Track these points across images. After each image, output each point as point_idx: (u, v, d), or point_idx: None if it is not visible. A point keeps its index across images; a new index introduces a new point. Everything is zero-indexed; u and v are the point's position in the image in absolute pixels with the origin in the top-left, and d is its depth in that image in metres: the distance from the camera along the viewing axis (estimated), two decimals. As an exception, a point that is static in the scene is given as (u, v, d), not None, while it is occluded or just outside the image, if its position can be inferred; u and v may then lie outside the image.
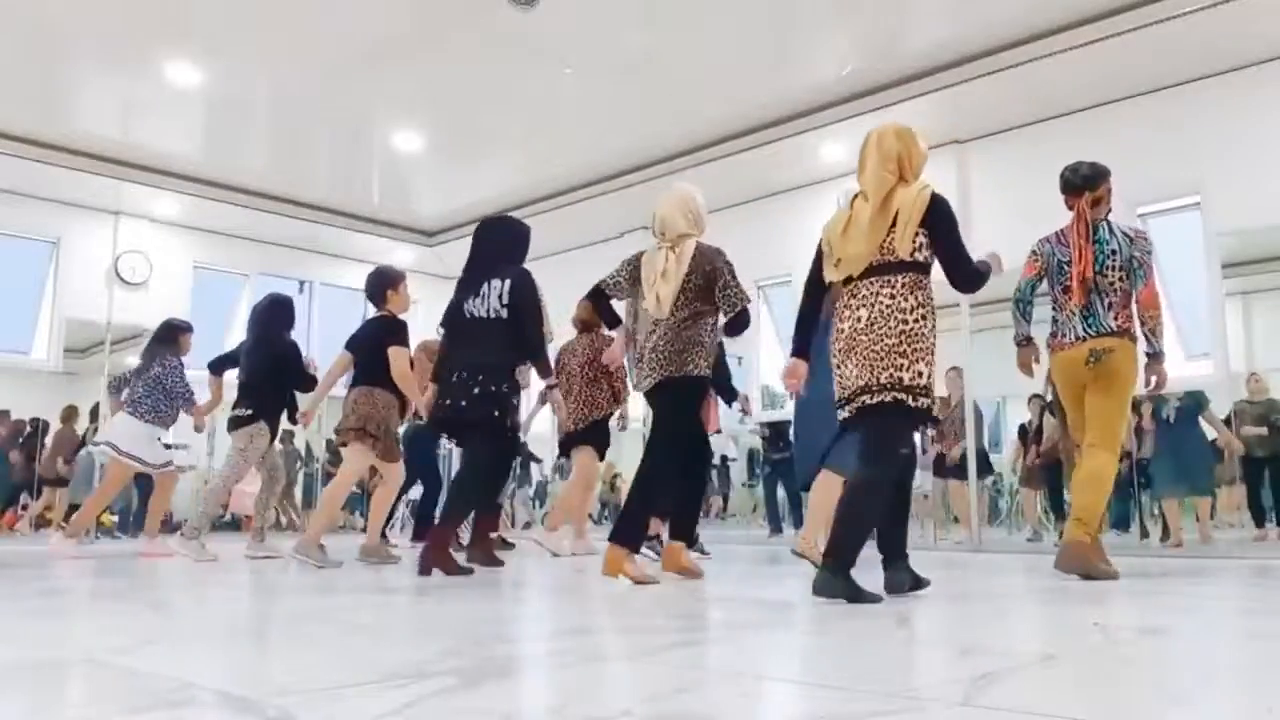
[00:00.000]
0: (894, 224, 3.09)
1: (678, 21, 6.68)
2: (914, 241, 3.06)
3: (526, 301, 4.40)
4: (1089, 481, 3.92)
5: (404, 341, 5.12)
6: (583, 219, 10.00)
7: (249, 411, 5.79)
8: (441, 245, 11.42)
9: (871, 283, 3.09)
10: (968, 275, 3.16)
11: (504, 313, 4.38)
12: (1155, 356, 4.00)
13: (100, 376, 9.16)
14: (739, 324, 3.96)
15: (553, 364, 5.21)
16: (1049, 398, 4.36)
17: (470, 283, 4.53)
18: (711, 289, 3.91)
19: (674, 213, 4.03)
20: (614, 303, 4.33)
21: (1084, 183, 4.14)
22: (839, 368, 3.15)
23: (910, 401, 2.98)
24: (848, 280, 3.16)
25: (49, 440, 9.56)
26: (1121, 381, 3.98)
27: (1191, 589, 3.63)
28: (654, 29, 6.78)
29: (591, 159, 9.16)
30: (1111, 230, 4.10)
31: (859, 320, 3.08)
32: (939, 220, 3.07)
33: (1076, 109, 7.37)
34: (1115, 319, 4.00)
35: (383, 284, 5.30)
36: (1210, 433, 6.86)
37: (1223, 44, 6.47)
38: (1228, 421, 6.84)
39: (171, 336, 6.31)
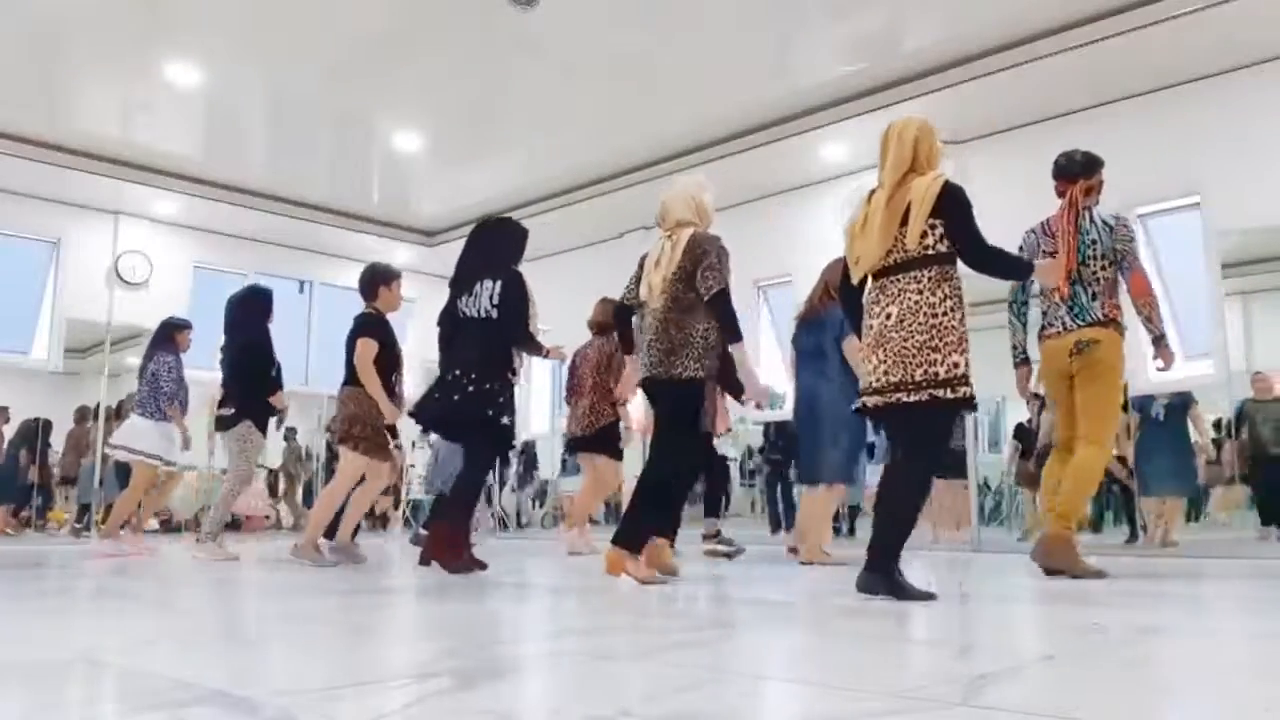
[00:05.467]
0: (906, 218, 3.07)
1: (678, 21, 6.67)
2: (924, 235, 3.05)
3: (512, 301, 4.48)
4: (1075, 475, 3.87)
5: (375, 334, 5.15)
6: (583, 219, 10.00)
7: (231, 412, 5.72)
8: (441, 245, 11.41)
9: (899, 279, 3.09)
10: (980, 258, 3.14)
11: (494, 313, 4.46)
12: (1158, 340, 3.98)
13: (100, 376, 9.17)
14: (716, 312, 3.71)
15: (569, 366, 5.68)
16: (1041, 392, 4.42)
17: (462, 282, 4.62)
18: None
19: (675, 201, 3.96)
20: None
21: (1080, 169, 4.11)
22: (866, 360, 3.15)
23: (949, 394, 2.97)
24: (877, 275, 3.17)
25: (63, 440, 9.57)
26: (1108, 372, 3.94)
27: (1189, 589, 3.63)
28: (654, 29, 6.78)
29: (591, 159, 9.16)
30: (1092, 220, 4.06)
31: (888, 317, 3.08)
32: (949, 205, 3.06)
33: (1076, 109, 7.37)
34: (1102, 309, 3.96)
35: (375, 280, 5.35)
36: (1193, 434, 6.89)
37: (1223, 44, 6.47)
38: (1230, 422, 6.84)
39: (167, 335, 6.36)
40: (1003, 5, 6.39)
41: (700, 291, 3.70)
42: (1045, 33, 6.60)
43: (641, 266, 3.98)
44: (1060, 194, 4.14)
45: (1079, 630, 2.36)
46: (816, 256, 8.13)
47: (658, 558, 4.03)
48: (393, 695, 1.47)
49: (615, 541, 3.72)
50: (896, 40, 6.96)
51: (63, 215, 9.71)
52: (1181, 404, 6.73)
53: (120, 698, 1.55)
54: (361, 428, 5.07)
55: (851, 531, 8.17)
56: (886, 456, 4.09)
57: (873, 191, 3.27)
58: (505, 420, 4.42)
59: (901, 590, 2.88)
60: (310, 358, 11.13)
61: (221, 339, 6.11)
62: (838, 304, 4.74)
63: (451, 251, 11.26)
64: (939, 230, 3.06)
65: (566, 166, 9.34)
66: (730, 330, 3.73)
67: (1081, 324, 3.96)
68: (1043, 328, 4.16)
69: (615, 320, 4.20)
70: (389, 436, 5.28)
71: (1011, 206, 6.89)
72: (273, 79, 7.68)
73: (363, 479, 5.25)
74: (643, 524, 3.77)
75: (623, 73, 7.43)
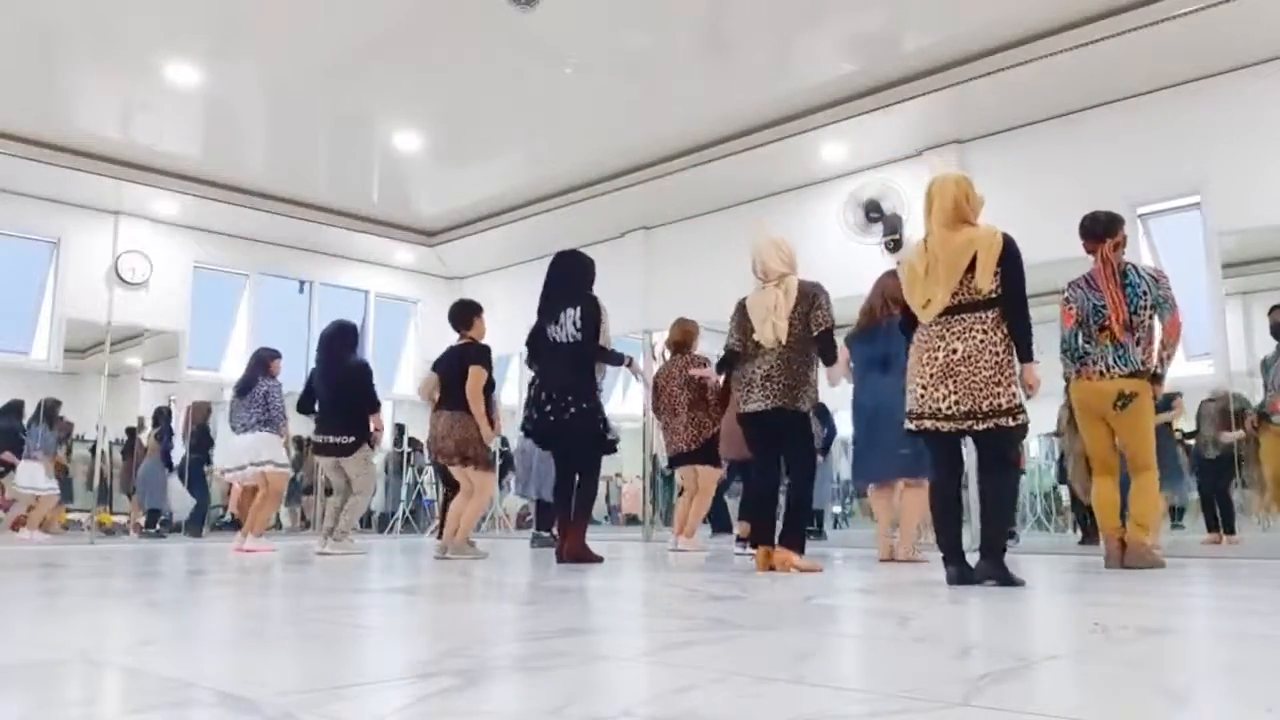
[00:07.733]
0: (972, 264, 3.52)
1: (678, 21, 6.68)
2: (994, 279, 3.52)
3: (590, 325, 5.25)
4: (1141, 498, 4.47)
5: (485, 364, 5.83)
6: (583, 219, 10.00)
7: (351, 439, 6.36)
8: (441, 245, 11.42)
9: (963, 319, 3.54)
10: (1018, 313, 3.54)
11: (579, 336, 5.22)
12: (1156, 379, 4.43)
13: (100, 377, 9.17)
14: (822, 343, 4.53)
15: (654, 388, 6.55)
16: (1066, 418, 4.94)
17: (549, 310, 5.37)
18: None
19: (769, 257, 4.70)
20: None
21: (1104, 230, 4.54)
22: (926, 388, 3.59)
23: (1010, 422, 3.47)
24: (942, 312, 3.59)
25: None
26: (1144, 412, 4.49)
27: (1189, 589, 3.63)
28: (654, 29, 6.78)
29: (591, 159, 9.16)
30: (1139, 274, 4.50)
31: (954, 352, 3.53)
32: (1009, 258, 3.54)
33: (1076, 109, 7.37)
34: (1141, 356, 4.42)
35: (468, 312, 6.12)
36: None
37: (1223, 44, 6.47)
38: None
39: (263, 363, 7.13)
40: (1003, 5, 6.39)
41: (811, 328, 4.53)
42: (1045, 33, 6.61)
43: (743, 313, 4.71)
44: (1089, 252, 4.59)
45: (1079, 630, 2.36)
46: (816, 256, 8.15)
47: (788, 563, 4.44)
48: (394, 695, 1.47)
49: (782, 544, 4.45)
50: (896, 40, 6.97)
51: (63, 215, 9.71)
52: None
53: (120, 698, 1.55)
54: (479, 448, 5.79)
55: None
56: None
57: (924, 240, 3.73)
58: (608, 433, 5.28)
59: (1010, 578, 3.43)
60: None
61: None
62: (895, 314, 4.93)
63: (451, 251, 11.39)
64: (999, 277, 3.53)
65: (566, 166, 9.34)
66: (830, 357, 4.61)
67: (1121, 372, 4.41)
68: (1082, 364, 4.55)
69: (721, 365, 4.94)
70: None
71: (1013, 206, 6.92)
72: (273, 79, 7.69)
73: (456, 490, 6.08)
74: (801, 528, 4.57)
75: (623, 73, 7.43)
